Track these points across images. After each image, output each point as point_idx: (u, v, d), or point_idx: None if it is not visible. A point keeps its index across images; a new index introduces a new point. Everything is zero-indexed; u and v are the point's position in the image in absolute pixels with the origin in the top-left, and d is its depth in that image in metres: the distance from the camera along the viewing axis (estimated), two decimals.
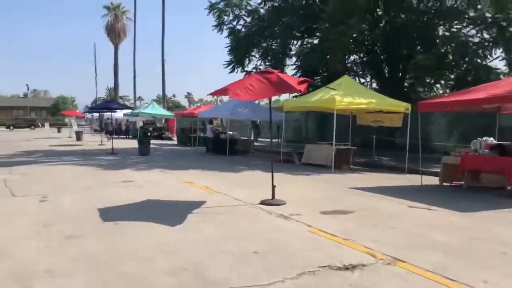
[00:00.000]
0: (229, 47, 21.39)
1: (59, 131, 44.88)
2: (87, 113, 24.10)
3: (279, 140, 23.90)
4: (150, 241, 5.14)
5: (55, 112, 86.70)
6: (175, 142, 28.52)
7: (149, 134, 34.39)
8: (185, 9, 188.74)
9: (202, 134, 24.99)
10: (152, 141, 29.22)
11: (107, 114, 42.40)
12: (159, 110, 32.94)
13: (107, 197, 7.91)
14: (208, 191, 8.77)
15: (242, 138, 20.43)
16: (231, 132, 19.50)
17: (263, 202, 7.44)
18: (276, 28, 19.20)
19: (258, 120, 23.38)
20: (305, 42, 19.23)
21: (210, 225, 5.91)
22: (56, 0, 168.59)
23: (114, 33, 55.25)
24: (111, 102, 18.05)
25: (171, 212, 6.81)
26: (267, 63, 20.39)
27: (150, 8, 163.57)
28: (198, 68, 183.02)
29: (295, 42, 19.35)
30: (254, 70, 22.06)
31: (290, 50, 19.42)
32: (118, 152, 18.21)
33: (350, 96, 12.95)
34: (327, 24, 15.84)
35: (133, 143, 21.92)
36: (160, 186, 9.45)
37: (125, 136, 36.20)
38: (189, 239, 5.22)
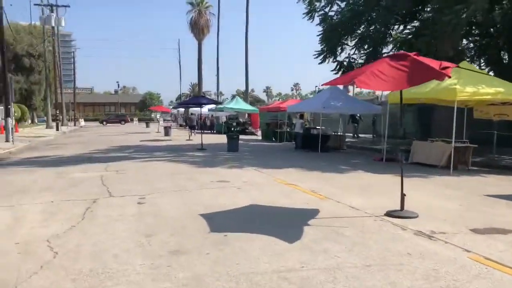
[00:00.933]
0: (320, 35, 20.06)
1: (147, 126, 46.78)
2: (173, 108, 24.24)
3: (373, 135, 22.16)
4: (271, 264, 4.16)
5: (142, 107, 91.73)
6: (259, 137, 27.88)
7: (232, 129, 34.58)
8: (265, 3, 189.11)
9: (289, 129, 24.07)
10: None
11: (192, 110, 43.67)
12: (243, 105, 32.56)
13: (207, 200, 7.17)
14: (316, 196, 7.66)
15: (334, 133, 19.02)
16: (322, 127, 18.21)
17: (389, 214, 6.17)
18: (373, 13, 17.47)
19: (358, 114, 21.75)
20: (409, 27, 17.20)
21: (338, 245, 4.79)
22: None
23: (198, 29, 56.19)
24: (201, 97, 17.64)
25: (283, 223, 5.82)
26: (362, 52, 18.77)
27: (233, 1, 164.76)
28: (277, 62, 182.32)
29: (396, 27, 17.36)
30: (347, 60, 20.59)
31: (390, 36, 17.53)
32: (206, 147, 17.84)
33: (472, 85, 11.04)
34: (437, 5, 13.88)
35: (219, 138, 21.63)
36: (260, 188, 8.54)
37: (210, 131, 36.48)
38: (318, 265, 4.15)
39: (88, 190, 8.16)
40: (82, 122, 63.37)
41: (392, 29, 17.41)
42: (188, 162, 12.83)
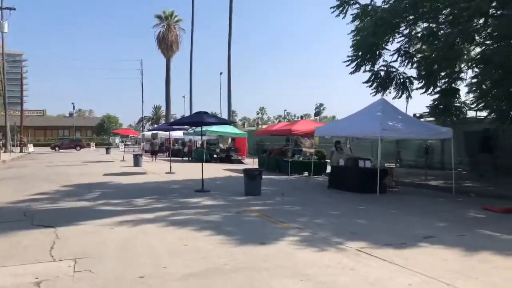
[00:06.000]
0: (354, 36, 15.23)
1: (107, 152, 40.07)
2: (146, 131, 18.72)
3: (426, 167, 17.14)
4: None
5: (100, 131, 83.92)
6: (249, 167, 22.20)
7: (215, 156, 28.90)
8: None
9: (299, 157, 18.85)
10: (217, 165, 23.55)
11: (161, 133, 37.63)
12: (229, 128, 27.12)
13: None
14: None
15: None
16: (369, 158, 13.11)
17: None
18: (438, 4, 12.75)
19: (428, 141, 16.70)
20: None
21: None
22: (101, 15, 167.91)
23: (166, 44, 50.70)
24: (205, 113, 11.84)
25: None
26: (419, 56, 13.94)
27: (205, 17, 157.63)
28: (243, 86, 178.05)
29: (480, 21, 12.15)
30: (384, 69, 15.80)
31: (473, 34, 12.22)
32: (207, 186, 12.19)
33: None
34: None
35: (207, 170, 15.92)
36: None
37: (187, 159, 30.62)
38: None
39: None
40: (30, 148, 55.11)
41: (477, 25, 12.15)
42: (204, 227, 7.17)
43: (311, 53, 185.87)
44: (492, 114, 12.84)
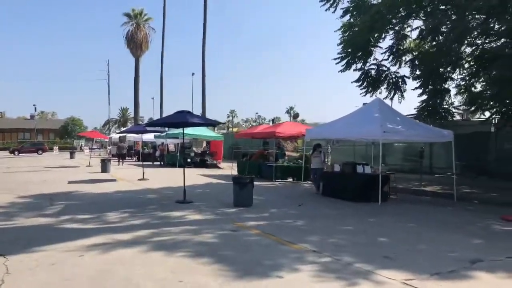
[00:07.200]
0: (342, 33, 14.24)
1: (72, 157, 37.62)
2: (146, 126, 17.16)
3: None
4: None
5: (64, 134, 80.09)
6: (227, 172, 20.96)
7: (189, 160, 27.26)
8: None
9: (285, 162, 17.67)
10: (192, 170, 21.87)
11: (130, 136, 35.55)
12: (204, 131, 25.65)
13: None
14: None
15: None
16: (364, 163, 12.06)
17: None
18: None
19: (423, 145, 15.71)
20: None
21: None
22: (66, 12, 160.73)
23: (135, 44, 48.52)
24: (188, 113, 10.40)
25: None
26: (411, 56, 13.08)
27: (175, 18, 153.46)
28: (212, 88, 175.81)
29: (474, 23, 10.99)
30: (375, 68, 14.90)
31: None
32: (189, 197, 10.78)
33: None
34: None
35: (181, 176, 14.57)
36: None
37: (160, 163, 28.89)
38: None
39: None
40: None
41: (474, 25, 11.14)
42: (198, 251, 5.79)
43: (283, 55, 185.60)
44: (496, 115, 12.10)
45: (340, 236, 6.75)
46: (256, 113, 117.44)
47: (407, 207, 10.32)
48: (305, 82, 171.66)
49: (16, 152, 48.64)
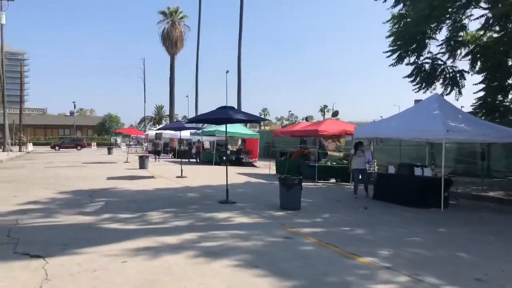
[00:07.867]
0: (392, 25, 13.30)
1: (109, 153, 38.02)
2: (186, 123, 17.11)
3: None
4: None
5: (101, 131, 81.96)
6: (264, 171, 20.33)
7: (224, 158, 26.81)
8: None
9: (327, 162, 16.83)
10: (228, 168, 21.22)
11: (166, 133, 35.65)
12: (239, 128, 25.14)
13: None
14: None
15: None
16: (418, 164, 11.11)
17: None
18: None
19: (484, 145, 14.50)
20: None
21: None
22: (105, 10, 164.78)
23: (171, 41, 48.71)
24: (231, 109, 9.85)
25: None
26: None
27: (210, 16, 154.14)
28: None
29: None
30: (429, 62, 13.84)
31: None
32: (233, 197, 10.19)
33: None
34: None
35: (220, 174, 13.87)
36: None
37: (196, 160, 28.63)
38: None
39: None
40: (30, 147, 53.09)
41: None
42: (252, 262, 5.17)
43: (316, 55, 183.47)
44: None
45: (411, 249, 5.93)
46: (289, 111, 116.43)
47: (473, 215, 9.33)
48: (336, 81, 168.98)
49: (56, 148, 50.13)
